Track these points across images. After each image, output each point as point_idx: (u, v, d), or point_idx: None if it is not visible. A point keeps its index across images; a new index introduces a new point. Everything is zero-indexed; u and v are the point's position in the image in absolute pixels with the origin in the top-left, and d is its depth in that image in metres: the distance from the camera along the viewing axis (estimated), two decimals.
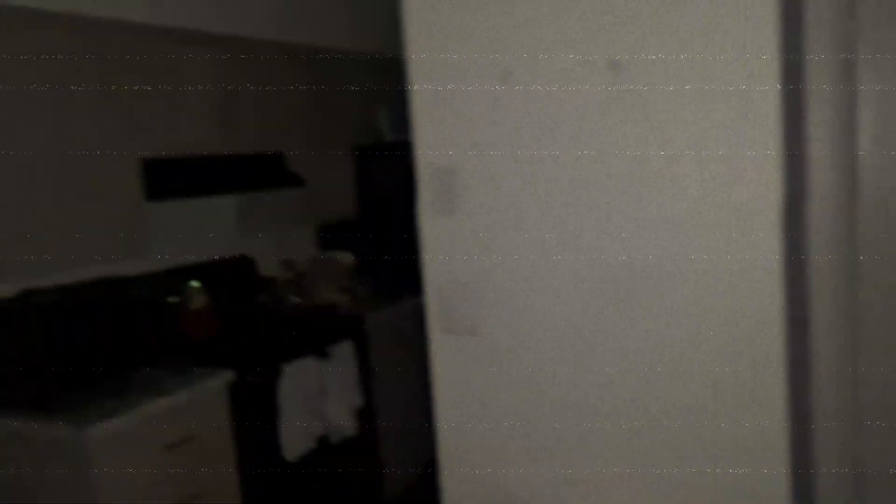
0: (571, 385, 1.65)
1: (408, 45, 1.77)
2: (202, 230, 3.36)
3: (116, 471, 2.23)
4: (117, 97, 2.61)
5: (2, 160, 2.27)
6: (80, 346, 2.31)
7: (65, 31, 2.44)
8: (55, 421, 2.22)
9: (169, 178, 2.78)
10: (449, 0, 1.68)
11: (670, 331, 1.54)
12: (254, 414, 2.70)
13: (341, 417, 3.02)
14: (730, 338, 1.49)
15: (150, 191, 2.72)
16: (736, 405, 1.50)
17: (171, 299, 2.61)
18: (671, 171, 1.50)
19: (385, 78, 4.02)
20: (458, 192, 1.78)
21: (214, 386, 2.56)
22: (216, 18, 2.98)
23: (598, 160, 1.56)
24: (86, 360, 2.33)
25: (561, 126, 1.59)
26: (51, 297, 2.33)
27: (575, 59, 1.55)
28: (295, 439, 2.81)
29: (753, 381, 1.48)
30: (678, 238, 1.51)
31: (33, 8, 2.33)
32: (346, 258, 3.86)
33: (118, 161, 2.62)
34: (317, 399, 2.92)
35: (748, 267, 1.46)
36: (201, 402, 2.51)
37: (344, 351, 3.08)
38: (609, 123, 1.54)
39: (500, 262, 1.70)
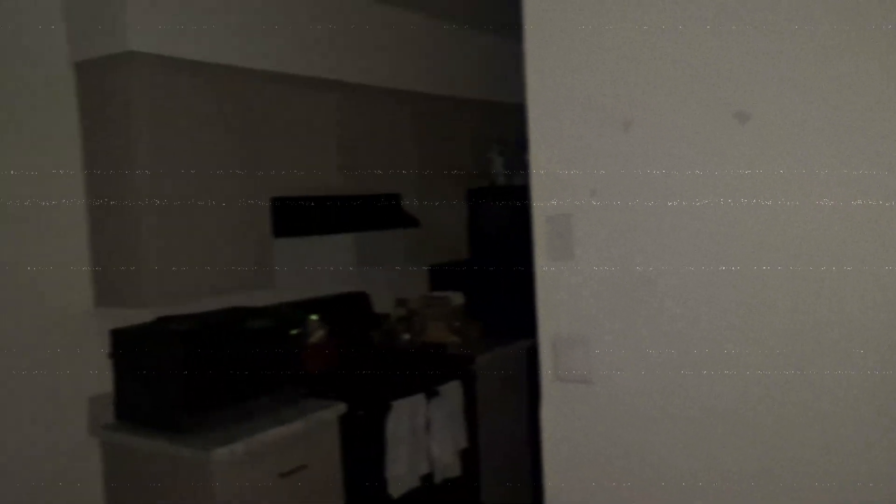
0: (686, 440, 1.60)
1: (528, 91, 1.81)
2: (323, 266, 3.51)
3: (235, 493, 2.34)
4: (250, 141, 2.79)
5: (148, 198, 2.48)
6: (209, 372, 2.46)
7: (208, 78, 2.65)
8: (183, 442, 2.36)
9: (294, 217, 2.93)
10: (571, 48, 1.71)
11: (788, 395, 1.47)
12: (362, 448, 2.76)
13: (446, 457, 3.04)
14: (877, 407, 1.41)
15: (277, 228, 2.88)
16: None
17: (293, 331, 2.74)
18: (799, 223, 1.45)
19: (501, 124, 4.10)
20: (574, 239, 1.78)
21: (327, 418, 2.65)
22: (339, 67, 3.15)
23: (722, 211, 1.54)
24: (213, 386, 2.47)
25: (683, 175, 1.58)
26: (185, 325, 2.49)
27: (700, 108, 1.55)
28: (400, 476, 2.85)
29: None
30: (808, 294, 1.45)
31: (179, 57, 2.55)
32: (457, 298, 3.92)
33: (250, 200, 2.79)
34: (423, 437, 2.95)
35: (882, 338, 1.38)
36: (314, 432, 2.60)
37: (452, 390, 3.11)
38: (734, 174, 1.52)
39: (615, 310, 1.69)
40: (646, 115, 1.62)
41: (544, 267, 1.85)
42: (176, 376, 2.41)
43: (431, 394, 3.00)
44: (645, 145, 1.62)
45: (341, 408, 2.69)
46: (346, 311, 3.48)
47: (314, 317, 3.27)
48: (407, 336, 3.69)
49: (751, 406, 1.53)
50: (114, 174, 2.52)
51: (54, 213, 2.53)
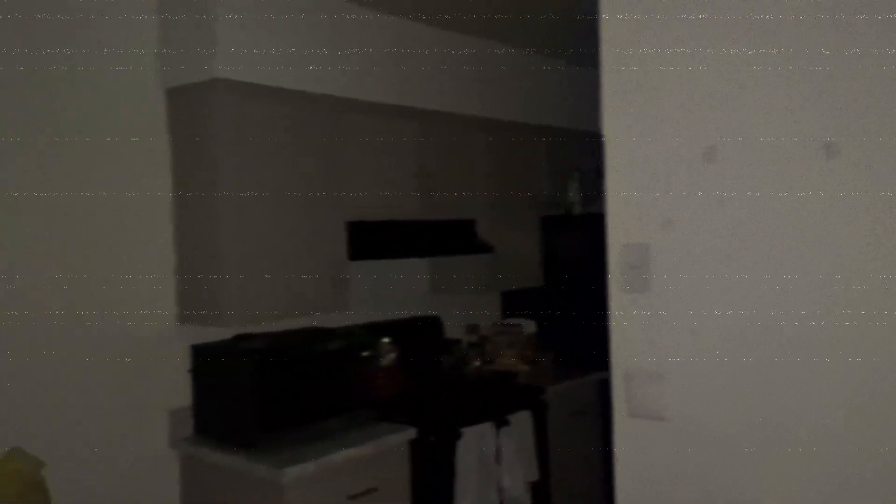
0: (767, 481, 1.53)
1: (605, 118, 1.79)
2: (397, 289, 3.54)
3: None
4: (329, 165, 2.86)
5: (230, 220, 2.57)
6: (284, 391, 2.51)
7: (291, 105, 2.74)
8: (256, 459, 2.41)
9: (370, 240, 2.98)
10: (648, 75, 1.68)
11: (873, 428, 1.39)
12: (432, 474, 2.76)
13: (516, 488, 3.00)
14: None
15: (353, 251, 2.93)
16: None
17: (365, 353, 2.77)
18: (887, 259, 1.38)
19: (577, 152, 4.07)
20: (650, 269, 1.74)
21: (397, 442, 2.65)
22: (418, 95, 3.20)
23: (806, 243, 1.47)
24: (287, 405, 2.52)
25: (765, 206, 1.52)
26: (261, 344, 2.56)
27: (785, 139, 1.49)
28: None
29: None
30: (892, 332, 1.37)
31: (262, 84, 2.65)
32: (529, 327, 3.88)
33: (327, 223, 2.85)
34: (493, 466, 2.92)
35: None
36: (384, 456, 2.61)
37: (522, 420, 3.07)
38: (821, 206, 1.45)
39: (692, 345, 1.64)
40: (727, 143, 1.57)
41: (618, 298, 1.81)
42: (252, 394, 2.47)
43: (501, 423, 2.97)
44: (726, 174, 1.58)
45: (411, 433, 2.70)
46: (418, 334, 3.50)
47: (386, 339, 3.30)
48: (477, 363, 3.67)
49: (842, 446, 1.45)
50: (199, 197, 2.63)
51: (144, 234, 2.66)
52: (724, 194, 1.58)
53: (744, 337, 1.55)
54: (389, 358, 3.05)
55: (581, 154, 4.10)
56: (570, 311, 3.86)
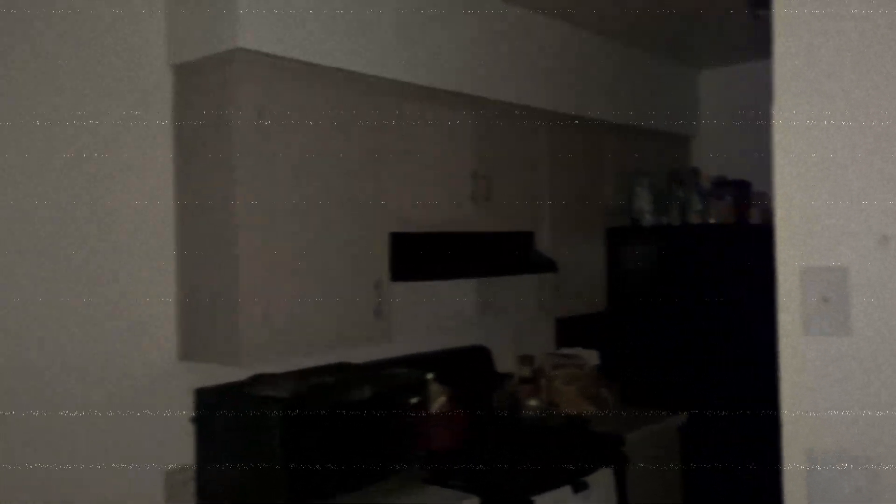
0: None
1: (778, 100, 1.30)
2: (438, 312, 2.97)
3: None
4: (371, 164, 2.30)
5: (250, 232, 2.01)
6: (314, 450, 1.94)
7: (324, 85, 2.18)
8: None
9: (417, 257, 2.41)
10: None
11: None
12: None
13: None
14: None
15: (396, 269, 2.37)
16: None
17: (414, 400, 2.20)
18: None
19: (649, 154, 3.51)
20: (851, 305, 1.22)
21: None
22: (476, 80, 2.65)
23: None
24: (319, 467, 1.94)
25: None
26: (285, 389, 1.99)
27: None
28: None
29: None
30: None
31: (292, 58, 2.09)
32: (591, 357, 3.31)
33: (367, 234, 2.29)
34: None
35: None
36: None
37: (602, 480, 2.49)
38: None
39: None
40: None
41: (796, 343, 1.29)
42: (273, 453, 1.90)
43: (579, 486, 2.39)
44: None
45: (473, 501, 2.12)
46: (465, 369, 2.93)
47: (430, 375, 2.73)
48: (533, 402, 3.09)
49: None
50: (210, 201, 2.06)
51: (138, 247, 2.09)
52: None
53: None
54: (440, 403, 2.47)
55: (653, 156, 3.54)
56: (638, 340, 3.29)
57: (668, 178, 3.38)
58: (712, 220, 3.30)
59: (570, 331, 3.46)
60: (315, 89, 2.16)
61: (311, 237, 2.14)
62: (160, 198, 2.14)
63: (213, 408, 2.07)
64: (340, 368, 2.33)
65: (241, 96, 1.99)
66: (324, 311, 2.16)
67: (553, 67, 2.99)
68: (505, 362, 3.23)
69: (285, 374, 2.17)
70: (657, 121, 3.58)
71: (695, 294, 3.13)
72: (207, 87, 2.07)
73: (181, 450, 2.14)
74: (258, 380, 2.12)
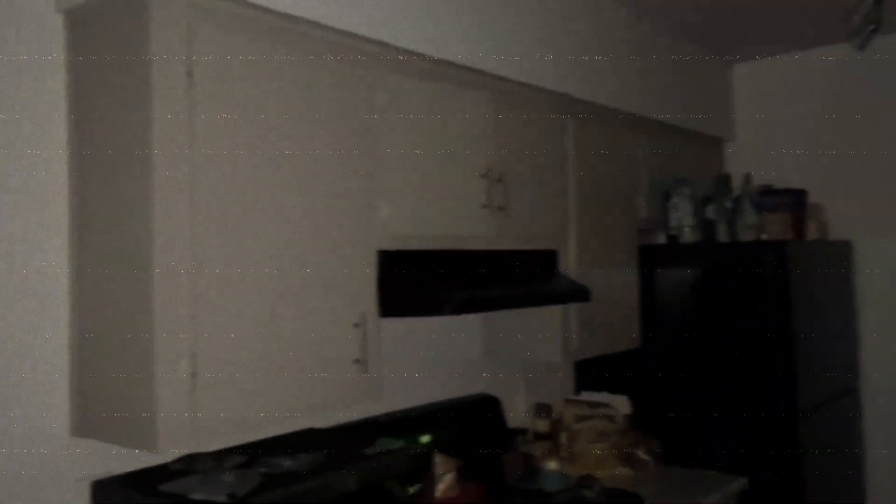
0: None
1: None
2: (441, 354, 2.33)
3: None
4: (356, 157, 1.67)
5: (174, 248, 1.35)
6: None
7: (290, 46, 1.55)
8: None
9: (413, 283, 1.77)
10: None
11: None
12: None
13: None
14: None
15: (386, 302, 1.72)
16: None
17: (412, 489, 1.54)
18: None
19: (689, 159, 2.92)
20: None
21: None
22: (489, 53, 2.03)
23: None
24: None
25: None
26: (232, 483, 1.32)
27: None
28: None
29: None
30: None
31: (259, 4, 1.46)
32: (622, 405, 2.67)
33: (347, 252, 1.65)
34: None
35: None
36: None
37: None
38: None
39: None
40: None
41: None
42: None
43: None
44: None
45: None
46: (471, 425, 2.28)
47: (426, 438, 2.08)
48: (552, 465, 2.44)
49: None
50: (118, 202, 1.41)
51: (19, 263, 1.42)
52: None
53: None
54: (447, 484, 1.82)
55: (684, 160, 2.95)
56: (679, 383, 2.67)
57: (714, 186, 2.77)
58: (765, 237, 2.71)
59: (592, 371, 2.82)
60: (272, 50, 1.52)
61: (265, 256, 1.49)
62: (49, 203, 1.48)
63: None
64: (308, 440, 1.68)
65: (163, 56, 1.35)
66: (283, 364, 1.51)
67: (577, 44, 2.38)
68: (513, 411, 2.59)
69: (227, 453, 1.51)
70: (689, 119, 2.99)
71: (748, 326, 2.51)
72: (112, 44, 1.42)
73: None
74: (187, 466, 1.45)
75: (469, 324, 2.45)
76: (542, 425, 2.57)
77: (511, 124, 2.11)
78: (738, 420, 2.52)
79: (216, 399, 1.39)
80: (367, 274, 1.70)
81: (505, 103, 2.09)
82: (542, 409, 2.60)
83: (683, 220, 2.74)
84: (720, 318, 2.58)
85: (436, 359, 2.32)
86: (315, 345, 1.57)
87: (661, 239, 2.77)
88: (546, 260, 2.27)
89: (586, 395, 2.77)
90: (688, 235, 2.74)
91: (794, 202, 2.78)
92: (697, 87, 3.07)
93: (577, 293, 2.22)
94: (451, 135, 1.91)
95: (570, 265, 2.35)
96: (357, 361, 1.65)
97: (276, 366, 1.50)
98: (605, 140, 2.53)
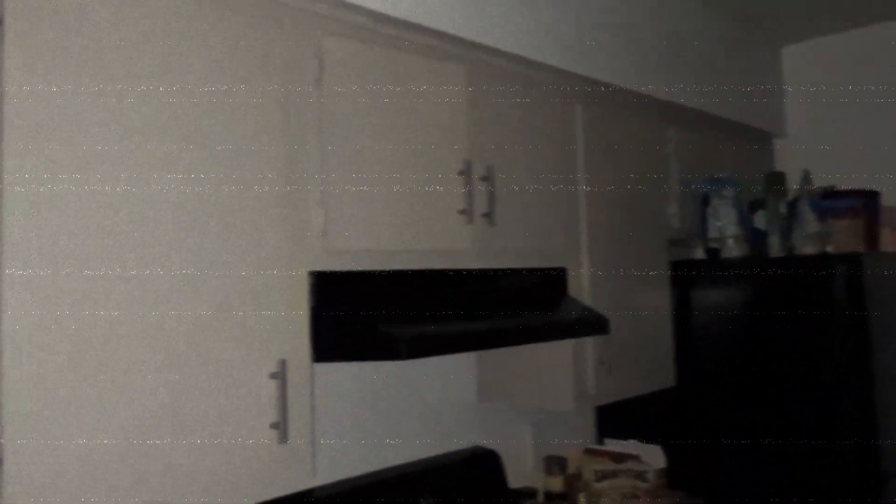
0: None
1: None
2: (427, 399, 1.86)
3: None
4: (285, 142, 1.23)
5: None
6: None
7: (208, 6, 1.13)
8: None
9: (361, 317, 1.32)
10: None
11: None
12: None
13: None
14: None
15: (320, 344, 1.28)
16: None
17: None
18: None
19: (729, 154, 2.44)
20: None
21: None
22: (463, 22, 1.58)
23: None
24: None
25: None
26: None
27: None
28: None
29: None
30: None
31: None
32: (654, 456, 2.17)
33: (268, 271, 1.21)
34: None
35: None
36: None
37: None
38: None
39: None
40: None
41: None
42: None
43: None
44: None
45: None
46: (461, 487, 1.81)
47: None
48: None
49: None
50: None
51: None
52: None
53: None
54: None
55: (725, 158, 2.46)
56: (724, 429, 2.16)
57: (764, 186, 2.27)
58: (830, 249, 2.19)
59: (618, 415, 2.32)
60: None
61: (149, 287, 1.05)
62: None
63: None
64: None
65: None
66: (163, 437, 1.07)
67: (588, 12, 1.92)
68: (518, 467, 2.11)
69: None
70: (729, 107, 2.50)
71: (812, 363, 2.00)
72: None
73: None
74: None
75: (459, 360, 1.98)
76: (555, 484, 2.10)
77: (499, 109, 1.65)
78: (800, 480, 2.00)
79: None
80: (294, 303, 1.25)
81: (490, 81, 1.63)
82: (555, 464, 2.11)
83: (726, 229, 2.25)
84: (774, 351, 2.08)
85: (416, 405, 1.86)
86: (218, 405, 1.13)
87: (699, 253, 2.27)
88: (551, 281, 1.80)
89: (610, 445, 2.28)
90: (732, 248, 2.24)
91: (865, 206, 2.27)
92: (740, 70, 2.58)
93: (592, 324, 1.74)
94: (418, 120, 1.46)
95: (582, 287, 1.88)
96: (275, 426, 1.20)
97: (151, 447, 1.06)
98: (625, 131, 2.05)
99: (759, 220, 2.31)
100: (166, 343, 1.09)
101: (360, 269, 1.36)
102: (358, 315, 1.32)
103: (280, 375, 1.20)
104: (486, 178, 1.59)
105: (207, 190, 1.15)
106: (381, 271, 1.39)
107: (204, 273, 1.14)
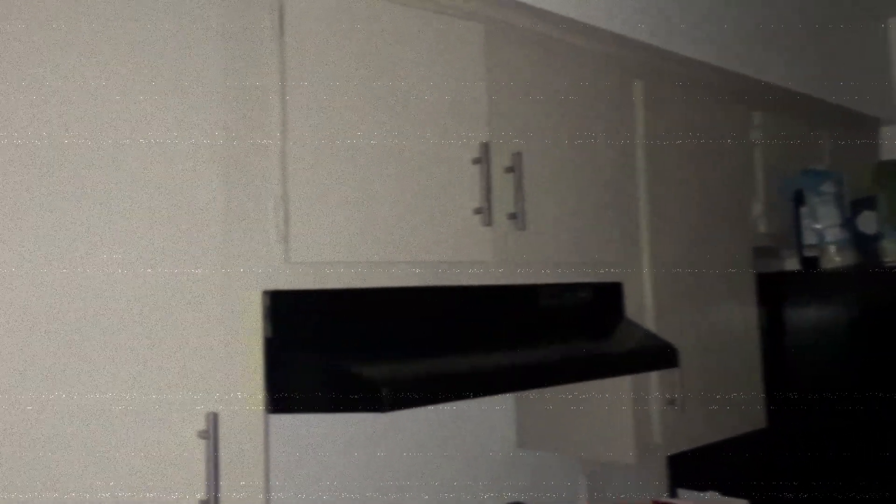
0: None
1: None
2: (442, 444, 1.51)
3: None
4: (248, 125, 0.93)
5: None
6: None
7: None
8: None
9: (325, 349, 0.99)
10: None
11: None
12: None
13: None
14: None
15: (275, 386, 0.95)
16: None
17: None
18: None
19: (827, 145, 2.01)
20: None
21: None
22: None
23: None
24: None
25: None
26: None
27: None
28: None
29: None
30: None
31: None
32: None
33: (207, 294, 0.90)
34: None
35: None
36: None
37: None
38: None
39: None
40: None
41: None
42: None
43: None
44: None
45: None
46: None
47: None
48: None
49: None
50: None
51: None
52: None
53: None
54: None
55: (832, 151, 2.04)
56: (829, 480, 1.74)
57: (874, 180, 1.84)
58: None
59: (694, 462, 1.91)
60: None
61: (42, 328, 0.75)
62: None
63: None
64: None
65: None
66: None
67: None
68: None
69: None
70: (826, 89, 2.06)
71: None
72: None
73: None
74: None
75: (493, 399, 1.62)
76: None
77: (527, 80, 1.30)
78: None
79: None
80: (238, 334, 0.93)
81: (514, 44, 1.28)
82: None
83: (828, 233, 1.82)
84: (890, 383, 1.66)
85: (434, 458, 1.50)
86: (140, 472, 0.82)
87: (793, 263, 1.86)
88: (602, 300, 1.42)
89: (685, 498, 1.88)
90: (835, 257, 1.82)
91: None
92: (839, 45, 2.15)
93: (657, 354, 1.36)
94: (419, 91, 1.13)
95: (643, 308, 1.50)
96: None
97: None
98: (697, 115, 1.66)
99: (866, 221, 1.89)
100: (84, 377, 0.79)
101: (333, 286, 1.03)
102: (329, 350, 0.99)
103: (208, 434, 0.87)
104: (512, 169, 1.24)
105: (139, 194, 0.85)
106: (362, 290, 1.05)
107: (130, 299, 0.83)
